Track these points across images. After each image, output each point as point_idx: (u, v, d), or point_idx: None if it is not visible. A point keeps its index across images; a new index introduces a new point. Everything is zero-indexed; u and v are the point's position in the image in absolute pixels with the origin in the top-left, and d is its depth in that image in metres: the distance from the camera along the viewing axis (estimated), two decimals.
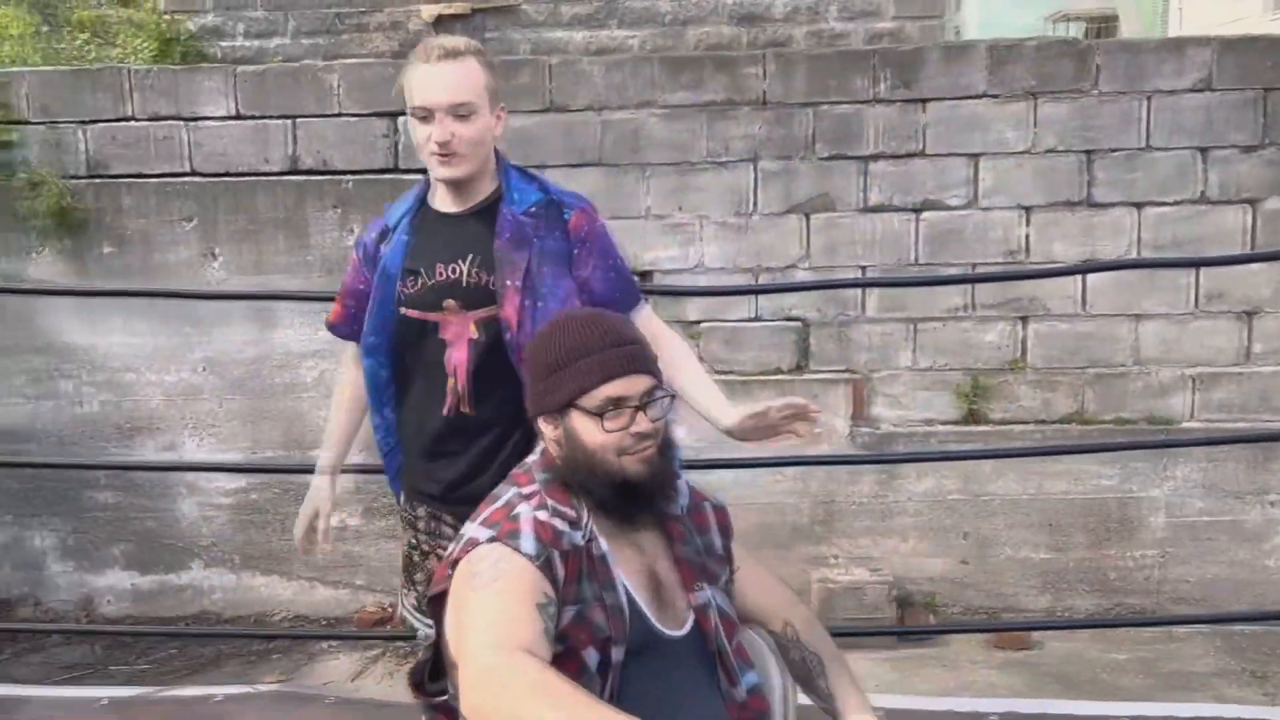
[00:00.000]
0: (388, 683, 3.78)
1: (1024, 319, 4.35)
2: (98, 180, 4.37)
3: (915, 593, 4.37)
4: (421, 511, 2.10)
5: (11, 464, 4.33)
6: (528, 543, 1.60)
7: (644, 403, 1.69)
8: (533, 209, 2.01)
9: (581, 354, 1.70)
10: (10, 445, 4.43)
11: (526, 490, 1.71)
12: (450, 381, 1.99)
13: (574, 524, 1.67)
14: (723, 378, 4.36)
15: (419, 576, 2.11)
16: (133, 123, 4.36)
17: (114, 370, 4.42)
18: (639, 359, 1.72)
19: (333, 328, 2.20)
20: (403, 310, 2.00)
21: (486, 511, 1.70)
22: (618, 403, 1.68)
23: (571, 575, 1.62)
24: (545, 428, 1.74)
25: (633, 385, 1.69)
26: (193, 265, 4.37)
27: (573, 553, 1.63)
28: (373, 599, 4.46)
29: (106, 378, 4.43)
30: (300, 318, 4.36)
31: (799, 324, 4.38)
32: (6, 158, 4.33)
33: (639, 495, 1.71)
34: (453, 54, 1.94)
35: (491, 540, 1.61)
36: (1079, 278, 4.29)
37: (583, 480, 1.70)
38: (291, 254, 4.34)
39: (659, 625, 1.69)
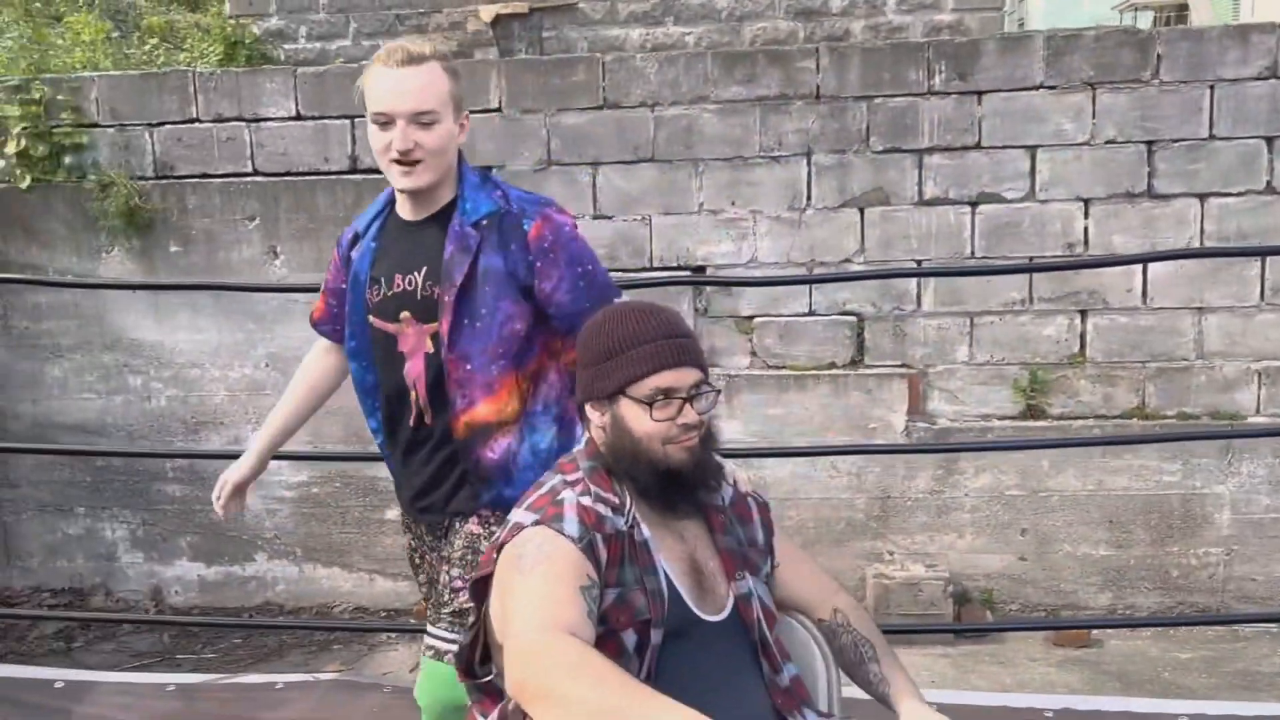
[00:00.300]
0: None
1: (1083, 313, 4.28)
2: (165, 181, 4.49)
3: (972, 589, 4.33)
4: (410, 518, 2.11)
5: (79, 452, 4.46)
6: (571, 526, 1.64)
7: (691, 395, 1.72)
8: (484, 220, 1.94)
9: (634, 343, 1.73)
10: (82, 438, 4.56)
11: (571, 477, 1.75)
12: (412, 394, 1.96)
13: (617, 510, 1.70)
14: (776, 373, 4.37)
15: (421, 578, 2.16)
16: (198, 124, 4.47)
17: (180, 366, 4.54)
18: (690, 351, 1.75)
19: (316, 325, 2.16)
20: (370, 319, 1.98)
21: (532, 497, 1.74)
22: (667, 393, 1.71)
23: (614, 559, 1.65)
24: (592, 414, 1.77)
25: (682, 377, 1.72)
26: (255, 263, 4.47)
27: (615, 537, 1.67)
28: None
29: (173, 374, 4.55)
30: None
31: (854, 318, 4.37)
32: (78, 160, 4.47)
33: (681, 483, 1.74)
34: (416, 59, 1.88)
35: (536, 524, 1.65)
36: (1140, 271, 4.22)
37: (627, 467, 1.74)
38: None
39: (698, 610, 1.72)
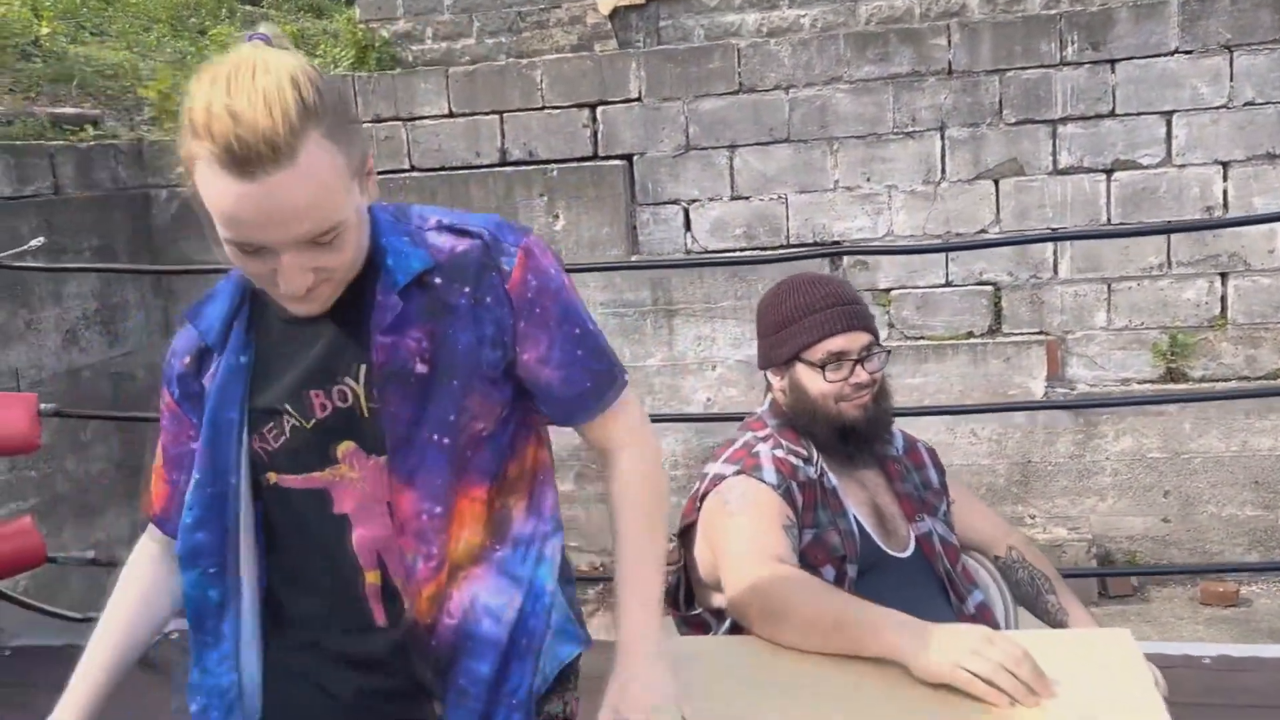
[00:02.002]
0: (604, 635, 4.08)
1: (1224, 275, 4.31)
2: None
3: (1115, 551, 4.40)
4: None
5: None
6: (769, 474, 1.83)
7: (862, 356, 1.90)
8: (423, 277, 1.18)
9: (807, 312, 1.92)
10: None
11: (761, 433, 1.94)
12: (365, 580, 1.21)
13: (806, 460, 1.89)
14: (915, 343, 4.49)
15: None
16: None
17: None
18: (858, 317, 1.92)
19: (160, 522, 1.32)
20: (269, 479, 1.23)
21: (728, 452, 1.93)
22: (838, 356, 1.89)
23: (808, 503, 1.84)
24: (773, 378, 1.96)
25: (852, 341, 1.89)
26: None
27: (808, 484, 1.85)
28: (587, 559, 4.76)
29: None
30: None
31: (991, 288, 4.46)
32: None
33: (857, 437, 1.91)
34: (276, 152, 1.02)
35: (737, 473, 1.84)
36: None
37: (806, 424, 1.92)
38: None
39: (885, 548, 1.90)
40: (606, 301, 4.63)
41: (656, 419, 4.36)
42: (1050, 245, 4.38)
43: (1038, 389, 4.41)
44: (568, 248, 4.65)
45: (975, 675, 1.37)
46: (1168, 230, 4.19)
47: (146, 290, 4.86)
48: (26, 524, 3.06)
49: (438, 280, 1.18)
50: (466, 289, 1.19)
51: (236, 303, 1.25)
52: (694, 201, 4.60)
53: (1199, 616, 4.09)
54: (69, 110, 4.92)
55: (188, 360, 1.25)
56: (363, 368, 1.18)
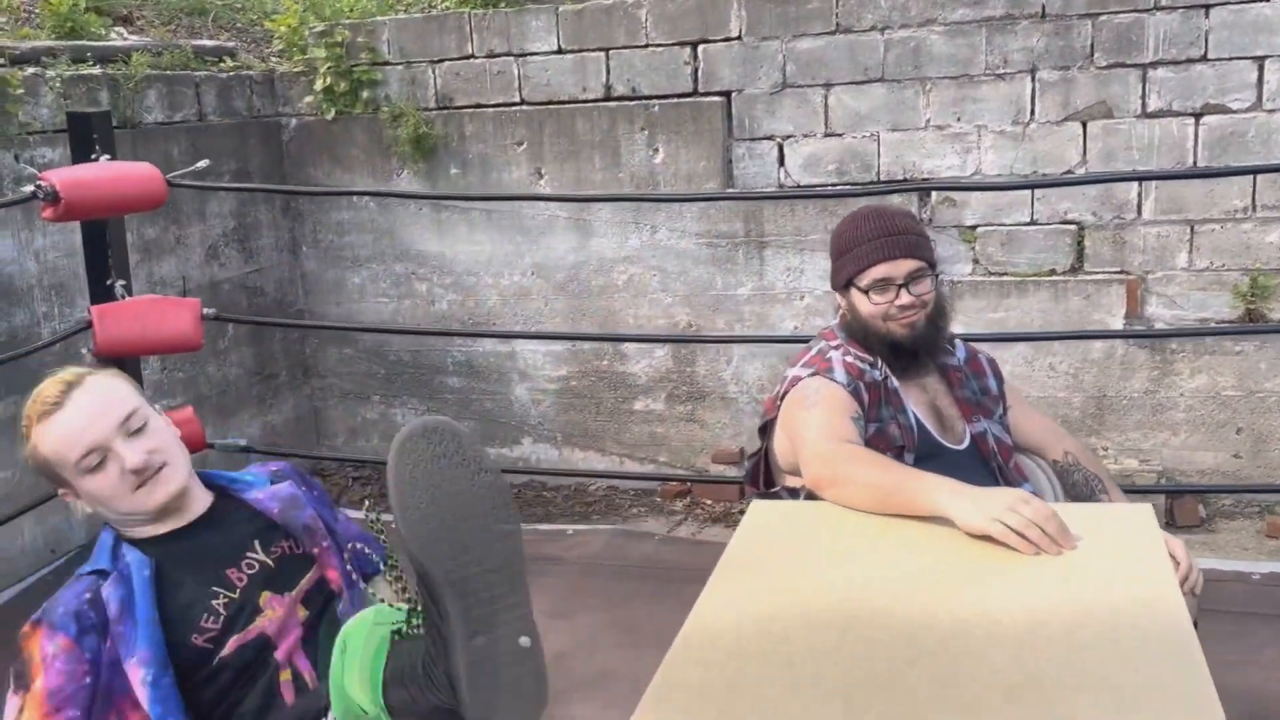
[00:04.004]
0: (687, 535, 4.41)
1: None
2: (445, 111, 5.12)
3: (1185, 484, 4.56)
4: None
5: (399, 331, 5.21)
6: (840, 375, 2.15)
7: (906, 281, 2.18)
8: (273, 484, 1.79)
9: (857, 243, 2.24)
10: (376, 336, 5.31)
11: (834, 343, 2.26)
12: (284, 675, 1.62)
13: (872, 366, 2.19)
14: (998, 279, 4.68)
15: None
16: (473, 60, 5.07)
17: (459, 274, 5.21)
18: (903, 246, 2.21)
19: None
20: (221, 657, 1.57)
21: (805, 358, 2.25)
22: (884, 281, 2.19)
23: (873, 401, 2.14)
24: (838, 298, 2.29)
25: (896, 268, 2.19)
26: (523, 184, 5.06)
27: (873, 385, 2.15)
28: (676, 473, 5.08)
29: (454, 280, 5.23)
30: (613, 229, 4.98)
31: (1074, 227, 4.61)
32: (373, 94, 5.15)
33: (905, 353, 2.22)
34: (71, 384, 1.61)
35: (813, 375, 2.16)
36: None
37: (862, 339, 2.23)
38: (606, 171, 4.96)
39: (942, 440, 2.19)
40: (701, 233, 4.90)
41: (746, 341, 4.63)
42: (1134, 187, 4.50)
43: (1116, 326, 4.56)
44: (666, 180, 4.91)
45: (1009, 528, 1.65)
46: (1253, 171, 4.29)
47: (277, 212, 5.27)
48: (189, 413, 3.50)
49: (285, 486, 1.77)
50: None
51: (110, 549, 1.63)
52: (788, 138, 4.82)
53: (1264, 548, 4.25)
54: (208, 43, 5.31)
55: (84, 600, 1.54)
56: (254, 540, 1.67)
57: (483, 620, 1.08)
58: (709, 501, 4.95)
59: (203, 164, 3.56)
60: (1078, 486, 2.29)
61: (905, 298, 2.21)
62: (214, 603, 1.59)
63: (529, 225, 5.07)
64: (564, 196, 4.79)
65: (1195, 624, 1.66)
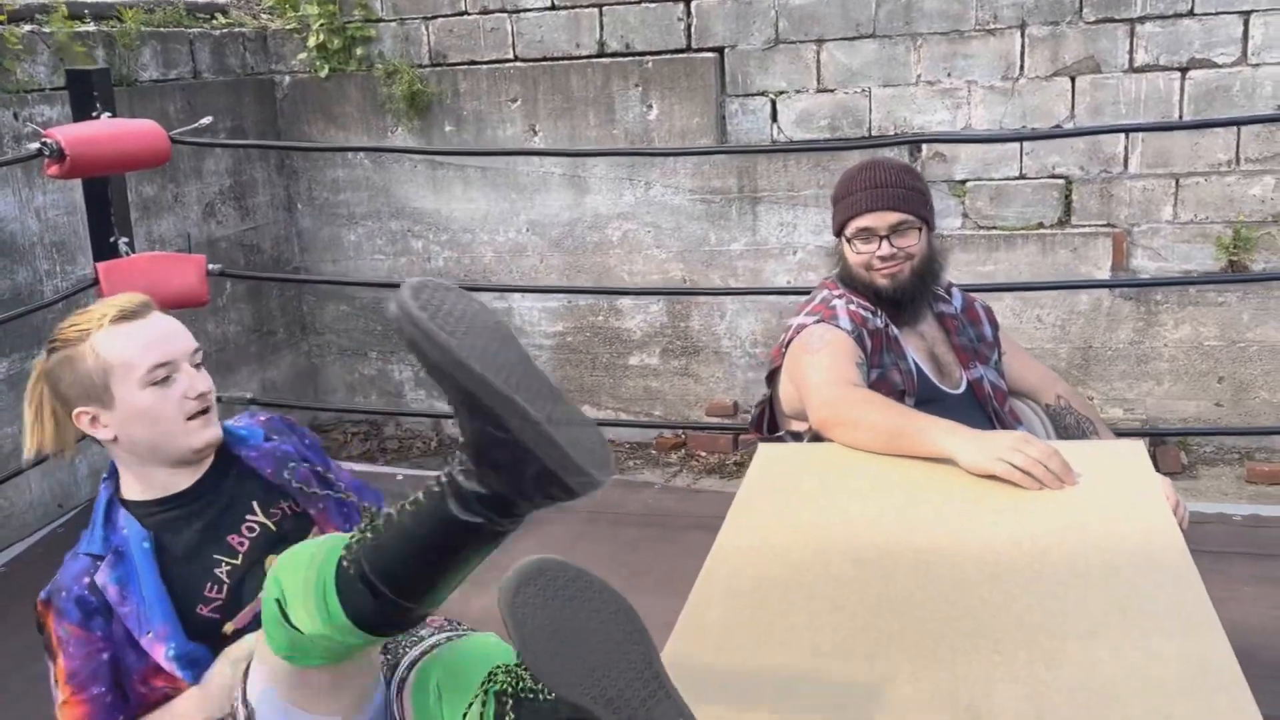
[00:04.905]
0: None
1: None
2: (439, 68, 5.14)
3: (1168, 428, 4.68)
4: None
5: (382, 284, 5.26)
6: (844, 322, 2.22)
7: (889, 233, 2.25)
8: (266, 440, 1.74)
9: (846, 194, 2.32)
10: (373, 293, 5.36)
11: (836, 292, 2.33)
12: None
13: (873, 313, 2.26)
14: (987, 233, 4.75)
15: None
16: (467, 16, 5.08)
17: (455, 231, 5.25)
18: (888, 198, 2.28)
19: None
20: (226, 630, 1.58)
21: (808, 306, 2.32)
22: (867, 231, 2.26)
23: (875, 347, 2.22)
24: (840, 246, 2.36)
25: (880, 219, 2.26)
26: (517, 140, 5.09)
27: (875, 332, 2.23)
28: (669, 429, 5.17)
29: (449, 238, 5.27)
30: (607, 185, 5.03)
31: (1062, 181, 4.69)
32: (366, 51, 5.15)
33: (888, 303, 2.29)
34: (148, 304, 1.62)
35: (818, 322, 2.23)
36: None
37: (850, 287, 2.31)
38: (600, 128, 5.00)
39: (940, 385, 2.27)
40: (695, 189, 4.95)
41: (740, 293, 4.69)
42: (1121, 141, 4.58)
43: (1103, 278, 4.65)
44: (660, 136, 4.95)
45: (1014, 466, 1.73)
46: (1237, 123, 4.37)
47: (272, 170, 5.29)
48: None
49: (279, 443, 1.74)
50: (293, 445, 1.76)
51: (102, 521, 1.57)
52: (781, 94, 4.86)
53: (1243, 493, 4.38)
54: None
55: (84, 583, 1.51)
56: (252, 502, 1.64)
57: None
58: (703, 454, 5.04)
59: (205, 120, 3.59)
60: (1070, 429, 2.38)
61: (885, 249, 2.27)
62: (217, 571, 1.57)
63: (524, 182, 5.11)
64: (559, 151, 4.83)
65: None
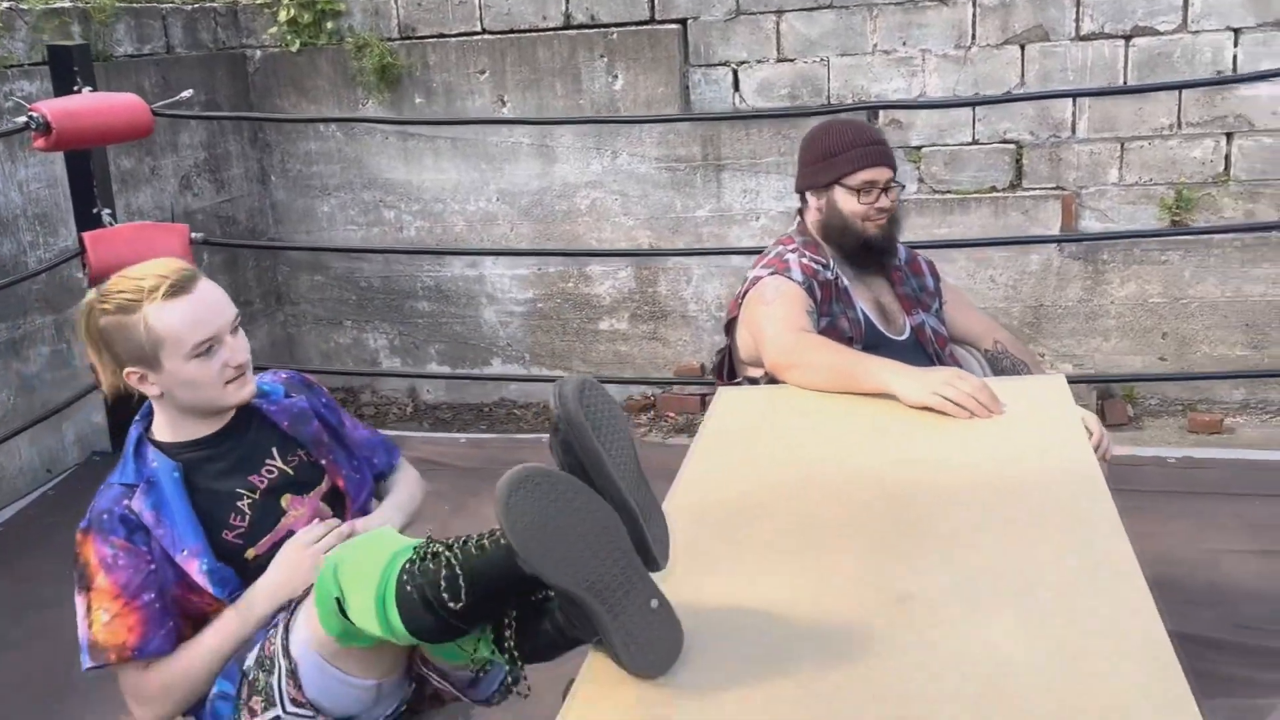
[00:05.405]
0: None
1: (1229, 135, 4.69)
2: (409, 41, 5.25)
3: (1115, 386, 4.91)
4: None
5: (369, 250, 5.37)
6: (796, 274, 2.39)
7: (886, 187, 2.42)
8: (286, 395, 1.89)
9: (849, 146, 2.45)
10: (347, 263, 5.48)
11: (790, 247, 2.49)
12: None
13: (825, 267, 2.43)
14: (942, 197, 4.94)
15: None
16: None
17: (427, 201, 5.38)
18: (886, 155, 2.45)
19: (143, 649, 1.62)
20: (249, 555, 1.72)
21: (764, 261, 2.49)
22: (870, 184, 2.41)
23: (825, 298, 2.39)
24: (811, 198, 2.51)
25: (880, 173, 2.42)
26: (486, 111, 5.22)
27: (825, 284, 2.40)
28: (640, 390, 5.34)
29: (421, 207, 5.39)
30: (575, 154, 5.17)
31: (1014, 146, 4.88)
32: (337, 25, 5.25)
33: (874, 249, 2.46)
34: (194, 275, 1.70)
35: (772, 274, 2.40)
36: None
37: (836, 238, 2.47)
38: (567, 98, 5.13)
39: (885, 331, 2.45)
40: (660, 157, 5.10)
41: (705, 254, 4.85)
42: (1069, 107, 4.77)
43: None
44: (626, 106, 5.09)
45: (947, 399, 1.91)
46: (1177, 85, 4.56)
47: (246, 143, 5.39)
48: None
49: (295, 397, 1.87)
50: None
51: (132, 455, 1.71)
52: (743, 63, 5.01)
53: (1185, 441, 4.60)
54: None
55: (122, 505, 1.64)
56: (272, 448, 1.78)
57: (618, 604, 1.25)
58: (672, 415, 5.22)
59: (187, 94, 3.70)
60: (1005, 371, 2.57)
61: (884, 201, 2.45)
62: (239, 504, 1.71)
63: (493, 152, 5.24)
64: (527, 120, 4.96)
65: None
